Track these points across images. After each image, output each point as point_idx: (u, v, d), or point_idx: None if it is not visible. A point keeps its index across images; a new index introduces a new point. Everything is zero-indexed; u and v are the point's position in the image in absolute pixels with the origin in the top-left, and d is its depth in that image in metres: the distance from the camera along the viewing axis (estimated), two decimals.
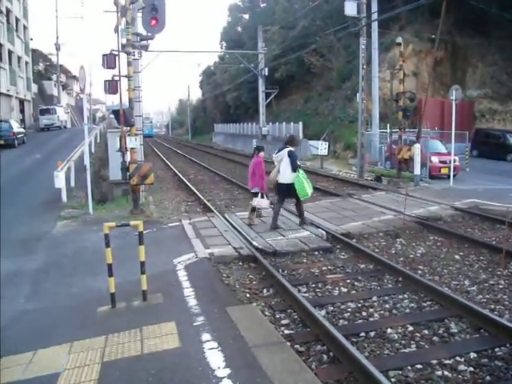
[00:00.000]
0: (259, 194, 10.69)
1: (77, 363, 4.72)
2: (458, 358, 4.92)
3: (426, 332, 5.56)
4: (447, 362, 4.87)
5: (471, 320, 5.74)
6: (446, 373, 4.67)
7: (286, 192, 10.39)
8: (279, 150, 10.63)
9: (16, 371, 4.69)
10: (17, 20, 43.74)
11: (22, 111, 43.39)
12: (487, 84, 32.50)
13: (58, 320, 5.96)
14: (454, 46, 33.37)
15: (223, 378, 4.26)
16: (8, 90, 37.79)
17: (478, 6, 25.75)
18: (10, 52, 39.86)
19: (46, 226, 11.24)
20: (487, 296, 6.66)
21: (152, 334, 5.25)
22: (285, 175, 10.25)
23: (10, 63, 40.02)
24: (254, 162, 10.91)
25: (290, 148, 10.46)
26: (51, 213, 12.62)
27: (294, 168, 10.17)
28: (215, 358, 4.63)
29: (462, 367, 4.75)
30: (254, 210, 10.93)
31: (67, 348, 5.08)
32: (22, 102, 43.58)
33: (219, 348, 4.83)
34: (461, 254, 8.76)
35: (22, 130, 32.13)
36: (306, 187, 10.15)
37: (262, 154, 11.00)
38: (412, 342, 5.34)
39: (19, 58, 43.57)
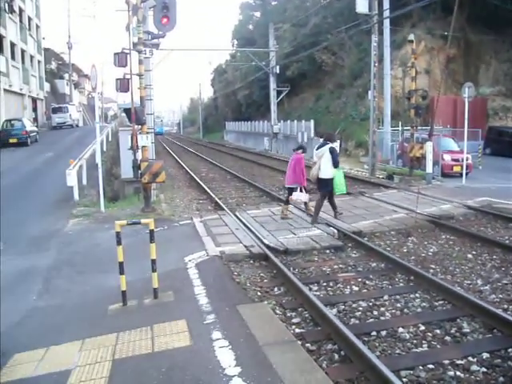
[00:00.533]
0: (298, 189, 11.09)
1: (88, 360, 4.75)
2: (470, 359, 4.87)
3: (438, 332, 5.51)
4: (459, 362, 4.82)
5: (484, 320, 5.67)
6: (458, 373, 4.62)
7: (327, 187, 10.81)
8: (320, 147, 10.96)
9: (28, 368, 4.74)
10: (29, 19, 44.06)
11: (34, 110, 43.71)
12: (500, 81, 32.21)
13: (70, 317, 6.00)
14: (466, 42, 33.09)
15: (233, 376, 4.26)
16: (21, 89, 38.09)
17: (492, 2, 25.52)
18: (22, 51, 40.17)
19: (58, 223, 11.33)
20: (500, 296, 6.59)
21: (163, 332, 5.27)
22: (326, 171, 10.66)
23: (23, 62, 40.33)
24: (295, 158, 11.23)
25: (331, 145, 10.82)
26: (63, 211, 12.71)
27: (336, 163, 10.63)
28: (226, 356, 4.63)
29: (474, 367, 4.70)
30: (288, 203, 11.46)
31: (79, 345, 5.12)
32: (34, 100, 43.91)
33: (230, 346, 4.82)
34: (473, 252, 8.68)
35: (35, 129, 32.39)
36: (343, 182, 10.83)
37: (301, 151, 11.36)
38: (424, 341, 5.29)
39: (32, 57, 43.89)
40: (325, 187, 10.85)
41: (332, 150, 10.63)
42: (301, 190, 11.11)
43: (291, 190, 11.26)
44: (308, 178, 11.31)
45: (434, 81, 30.66)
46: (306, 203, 11.47)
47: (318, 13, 39.93)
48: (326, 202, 11.09)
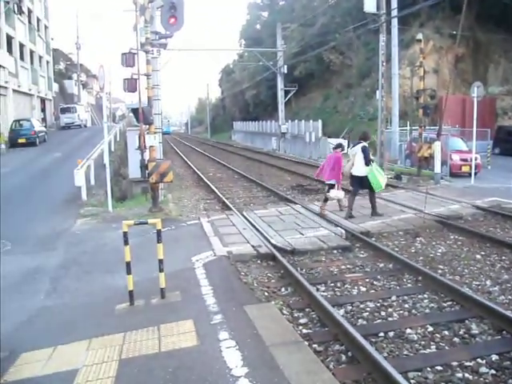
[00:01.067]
0: (336, 186, 11.72)
1: (95, 360, 4.76)
2: (479, 360, 4.83)
3: (447, 333, 5.47)
4: (468, 363, 4.78)
5: (493, 321, 5.62)
6: (466, 375, 4.58)
7: (360, 183, 11.38)
8: (354, 145, 11.57)
9: (36, 367, 4.75)
10: (38, 20, 44.32)
11: (43, 110, 43.96)
12: (510, 80, 32.00)
13: (77, 317, 6.01)
14: (475, 41, 32.90)
15: (240, 377, 4.25)
16: (30, 89, 38.31)
17: (501, 1, 25.37)
18: (31, 52, 40.41)
19: (65, 223, 11.37)
20: (510, 297, 6.53)
21: (170, 332, 5.26)
22: (358, 168, 11.21)
23: (32, 63, 40.57)
24: (334, 156, 11.81)
25: (364, 143, 11.31)
26: (71, 210, 12.76)
27: (367, 162, 11.08)
28: (232, 356, 4.62)
29: (483, 369, 4.66)
30: (326, 200, 11.93)
31: (86, 344, 5.13)
32: (43, 100, 44.15)
33: (237, 347, 4.81)
34: (482, 253, 8.61)
35: (43, 129, 32.59)
36: (379, 180, 11.10)
37: (339, 149, 12.02)
38: (432, 342, 5.25)
39: (40, 58, 44.13)
40: (357, 184, 11.44)
41: (364, 149, 11.12)
42: (337, 188, 11.78)
43: (331, 186, 11.86)
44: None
45: (442, 80, 30.53)
46: (326, 199, 11.94)
47: (325, 12, 39.87)
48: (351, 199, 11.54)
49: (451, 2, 27.37)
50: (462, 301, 6.24)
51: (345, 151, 11.57)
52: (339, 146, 12.28)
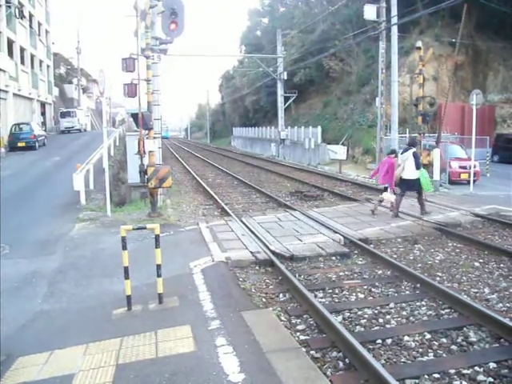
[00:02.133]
0: (389, 189, 12.72)
1: (92, 365, 4.74)
2: (477, 368, 4.82)
3: (444, 340, 5.47)
4: (466, 371, 4.77)
5: (491, 329, 5.62)
6: (464, 383, 4.57)
7: (409, 186, 12.16)
8: (404, 151, 12.27)
9: (32, 371, 4.74)
10: (39, 24, 44.38)
11: (43, 114, 43.97)
12: (509, 88, 32.04)
13: (75, 321, 6.01)
14: (475, 49, 32.98)
15: (237, 383, 4.24)
16: (30, 93, 38.33)
17: (500, 9, 25.48)
18: (32, 56, 40.46)
19: (64, 227, 11.36)
20: (508, 304, 6.52)
21: (167, 338, 5.25)
22: (409, 172, 11.97)
23: (32, 67, 40.61)
24: (389, 161, 12.65)
25: (414, 149, 12.21)
26: (69, 215, 12.75)
27: (418, 166, 11.99)
28: (230, 362, 4.61)
29: (481, 377, 4.65)
30: (381, 201, 12.99)
31: (83, 349, 5.11)
32: (43, 104, 44.17)
33: (234, 353, 4.81)
34: (480, 261, 8.61)
35: (43, 133, 32.60)
36: (429, 181, 12.19)
37: (393, 155, 12.85)
38: (429, 350, 5.25)
39: (41, 62, 44.17)
40: (407, 186, 12.20)
41: (415, 154, 12.01)
42: (390, 191, 12.78)
43: (385, 189, 12.93)
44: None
45: (441, 88, 30.57)
46: (380, 201, 12.95)
47: (325, 19, 39.95)
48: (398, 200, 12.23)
49: (451, 11, 27.43)
50: (460, 308, 6.24)
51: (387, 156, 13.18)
52: (393, 152, 13.16)
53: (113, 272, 7.56)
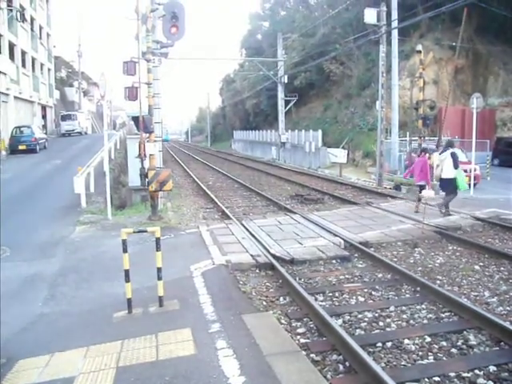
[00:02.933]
0: (426, 186, 13.20)
1: (92, 367, 4.75)
2: (476, 371, 4.82)
3: (444, 344, 5.47)
4: (466, 374, 4.78)
5: (491, 332, 5.63)
6: None
7: (447, 185, 12.70)
8: (443, 152, 12.93)
9: (32, 374, 4.75)
10: (40, 28, 44.47)
11: (44, 117, 44.00)
12: (509, 92, 32.09)
13: (75, 324, 6.02)
14: (475, 53, 33.05)
15: None
16: (31, 96, 38.39)
17: (501, 13, 25.51)
18: (33, 59, 40.52)
19: (64, 230, 11.37)
20: (508, 308, 6.53)
21: (167, 341, 5.26)
22: (447, 171, 12.53)
23: (33, 70, 40.67)
24: (422, 160, 13.26)
25: (452, 150, 12.78)
26: (70, 218, 12.76)
27: (456, 165, 12.52)
28: (230, 365, 4.62)
29: (481, 381, 4.66)
30: (420, 199, 13.24)
31: (83, 352, 5.12)
32: (44, 107, 44.22)
33: (234, 356, 4.81)
34: (480, 264, 8.62)
35: (44, 136, 32.60)
36: (464, 180, 12.73)
37: (427, 154, 13.59)
38: (430, 353, 5.25)
39: (42, 65, 44.24)
40: (446, 185, 12.72)
41: (453, 154, 12.55)
42: (428, 188, 13.24)
43: (421, 188, 13.26)
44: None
45: (442, 91, 30.61)
46: (419, 199, 13.27)
47: (326, 23, 40.03)
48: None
49: (451, 14, 27.48)
50: (460, 311, 6.24)
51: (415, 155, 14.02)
52: (424, 150, 13.84)
53: (113, 275, 7.56)
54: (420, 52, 18.46)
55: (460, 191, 13.11)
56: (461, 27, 15.59)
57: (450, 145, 13.18)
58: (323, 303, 6.84)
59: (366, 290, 7.34)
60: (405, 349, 5.35)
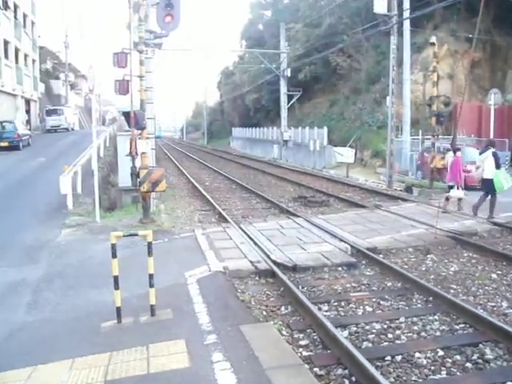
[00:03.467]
0: (455, 187, 13.69)
1: (78, 381, 4.75)
2: None
3: (459, 357, 5.47)
4: None
5: (509, 346, 5.62)
6: None
7: (488, 185, 12.84)
8: (483, 151, 13.24)
9: None
10: (24, 16, 44.50)
11: (27, 111, 44.01)
12: None
13: (60, 334, 6.00)
14: (493, 45, 33.01)
15: None
16: (14, 89, 38.40)
17: None
18: (16, 49, 40.53)
19: (49, 233, 11.37)
20: None
21: (159, 353, 5.26)
22: (489, 172, 12.74)
23: (17, 61, 40.69)
24: (454, 160, 13.84)
25: (493, 149, 13.01)
26: (56, 220, 12.75)
27: (498, 165, 12.79)
28: (227, 380, 4.62)
29: None
30: (448, 199, 13.86)
31: (68, 364, 5.11)
32: (28, 101, 44.24)
33: (231, 369, 4.81)
34: (498, 272, 8.62)
35: (28, 132, 32.63)
36: (502, 181, 12.64)
37: (459, 153, 14.06)
38: (442, 368, 5.25)
39: (26, 56, 44.28)
40: (488, 186, 12.89)
41: (494, 154, 12.81)
42: (457, 188, 13.69)
43: (450, 187, 13.88)
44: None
45: (457, 86, 30.59)
46: (447, 198, 13.86)
47: (332, 12, 40.02)
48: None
49: (467, 4, 27.47)
50: (475, 323, 6.25)
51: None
52: (458, 149, 14.31)
53: (101, 282, 7.55)
54: (434, 44, 18.50)
55: (497, 193, 13.17)
56: (478, 18, 15.55)
57: (490, 144, 13.43)
58: (328, 313, 6.84)
59: (374, 300, 7.34)
60: (416, 363, 5.35)
